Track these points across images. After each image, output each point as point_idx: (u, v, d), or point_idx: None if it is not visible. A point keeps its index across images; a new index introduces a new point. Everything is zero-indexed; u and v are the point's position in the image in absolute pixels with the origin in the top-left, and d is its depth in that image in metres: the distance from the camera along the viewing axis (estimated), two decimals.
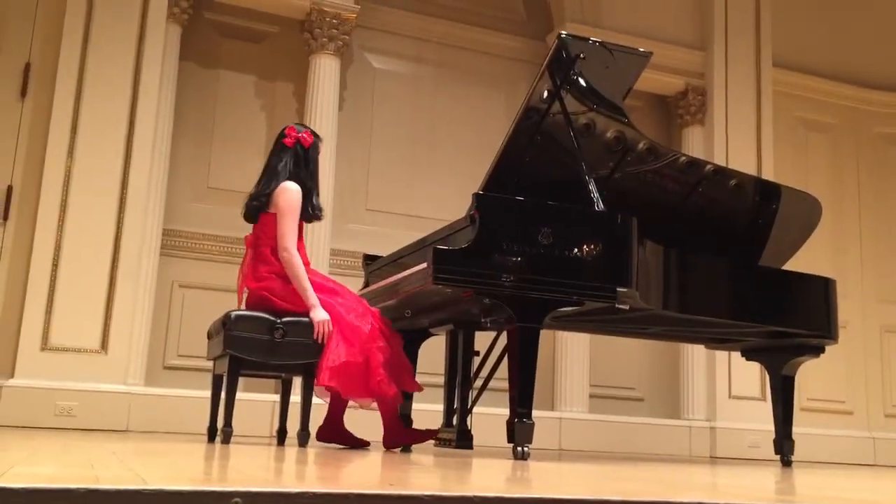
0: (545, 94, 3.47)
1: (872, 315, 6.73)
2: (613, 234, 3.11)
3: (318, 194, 3.50)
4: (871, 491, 2.10)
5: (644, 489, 1.57)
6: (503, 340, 3.25)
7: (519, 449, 2.92)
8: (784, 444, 4.11)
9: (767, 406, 4.37)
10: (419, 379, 3.50)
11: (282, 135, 3.50)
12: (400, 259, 3.70)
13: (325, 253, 5.16)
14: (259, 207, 3.37)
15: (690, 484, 1.97)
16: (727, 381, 5.99)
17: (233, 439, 3.16)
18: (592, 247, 3.06)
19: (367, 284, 4.03)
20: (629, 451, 5.49)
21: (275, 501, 1.01)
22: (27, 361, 4.52)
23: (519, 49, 6.20)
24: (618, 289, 3.04)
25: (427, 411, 4.15)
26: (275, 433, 3.66)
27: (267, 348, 3.16)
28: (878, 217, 6.92)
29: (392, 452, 3.17)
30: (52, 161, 4.73)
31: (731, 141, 6.32)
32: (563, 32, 3.46)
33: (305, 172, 3.44)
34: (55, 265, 4.63)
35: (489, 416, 4.07)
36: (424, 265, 2.99)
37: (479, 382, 3.84)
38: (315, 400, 3.27)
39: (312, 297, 3.23)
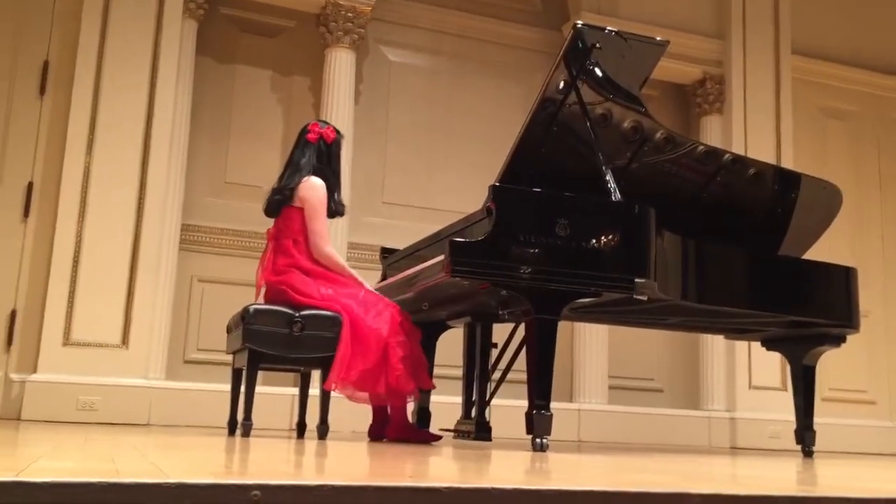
0: (561, 84, 3.45)
1: (894, 304, 6.66)
2: (631, 225, 3.09)
3: (339, 190, 3.54)
4: (894, 481, 2.08)
5: (664, 481, 1.56)
6: (521, 332, 3.25)
7: (538, 441, 2.92)
8: (805, 435, 4.08)
9: (788, 396, 4.33)
10: (437, 372, 3.51)
11: (305, 130, 3.54)
12: (417, 252, 3.70)
13: (342, 246, 5.17)
14: (282, 201, 3.41)
15: (710, 475, 1.96)
16: (747, 372, 5.95)
17: (253, 432, 3.18)
18: (610, 237, 3.05)
19: (384, 277, 4.03)
20: (648, 443, 5.47)
21: (293, 494, 1.01)
22: (49, 357, 4.57)
23: (535, 40, 6.17)
24: (635, 279, 3.03)
25: (446, 404, 4.15)
26: (294, 426, 3.68)
27: (285, 342, 3.18)
28: None
29: (409, 445, 3.17)
30: (71, 158, 4.77)
31: (750, 129, 6.26)
32: (579, 22, 3.44)
33: (328, 168, 3.50)
34: (76, 262, 4.68)
35: (508, 409, 4.07)
36: (441, 258, 2.99)
37: (497, 374, 3.84)
38: (333, 394, 3.28)
39: (360, 280, 3.39)
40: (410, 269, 3.47)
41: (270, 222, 3.52)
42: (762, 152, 5.88)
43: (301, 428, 3.52)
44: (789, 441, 4.29)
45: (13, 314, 4.70)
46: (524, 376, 3.01)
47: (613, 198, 3.18)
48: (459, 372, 3.86)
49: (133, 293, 4.74)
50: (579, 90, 3.40)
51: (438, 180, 5.82)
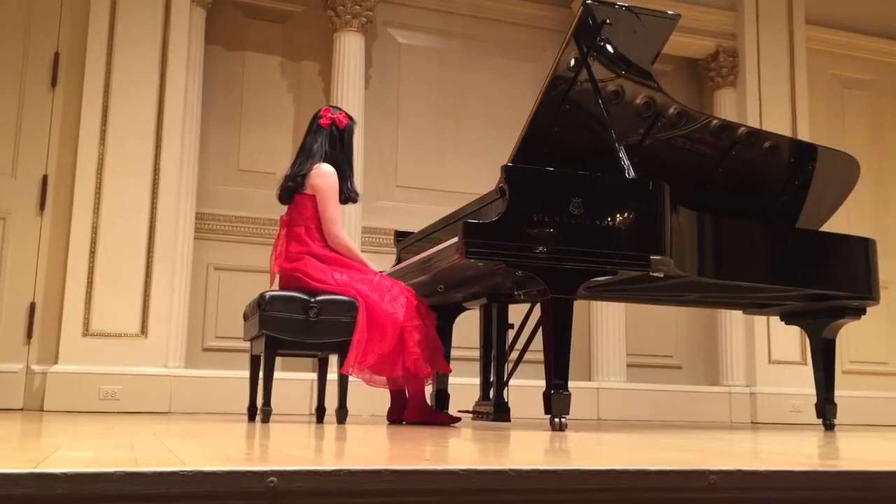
0: (572, 62, 3.42)
1: None
2: (645, 202, 3.06)
3: (352, 176, 3.53)
4: None
5: (684, 458, 1.55)
6: (537, 312, 3.24)
7: (556, 420, 2.92)
8: (826, 408, 4.05)
9: (808, 370, 4.30)
10: (454, 354, 3.51)
11: (317, 116, 3.54)
12: (431, 234, 3.69)
13: (356, 231, 5.17)
14: (294, 188, 3.41)
15: (731, 451, 1.95)
16: (766, 346, 5.92)
17: (272, 418, 3.20)
18: (624, 215, 3.03)
19: (399, 261, 4.03)
20: (668, 420, 5.46)
21: (310, 479, 1.01)
22: (70, 347, 4.61)
23: (545, 17, 6.11)
24: (651, 256, 3.01)
25: (464, 385, 4.16)
26: (314, 411, 3.69)
27: (302, 327, 3.18)
28: None
29: (428, 427, 3.18)
30: (84, 149, 4.79)
31: (765, 102, 6.19)
32: None
33: (340, 154, 3.50)
34: (93, 253, 4.70)
35: (526, 389, 4.07)
36: (455, 240, 2.98)
37: (514, 355, 3.84)
38: (351, 378, 3.29)
39: (372, 268, 3.41)
40: (425, 251, 3.46)
41: (285, 209, 3.52)
42: (777, 125, 5.82)
43: (320, 412, 3.53)
44: (810, 415, 4.27)
45: (32, 307, 4.74)
46: (541, 356, 3.00)
47: (627, 175, 3.16)
48: (477, 354, 3.86)
49: (150, 282, 4.77)
50: (590, 67, 3.37)
51: (451, 162, 5.80)
